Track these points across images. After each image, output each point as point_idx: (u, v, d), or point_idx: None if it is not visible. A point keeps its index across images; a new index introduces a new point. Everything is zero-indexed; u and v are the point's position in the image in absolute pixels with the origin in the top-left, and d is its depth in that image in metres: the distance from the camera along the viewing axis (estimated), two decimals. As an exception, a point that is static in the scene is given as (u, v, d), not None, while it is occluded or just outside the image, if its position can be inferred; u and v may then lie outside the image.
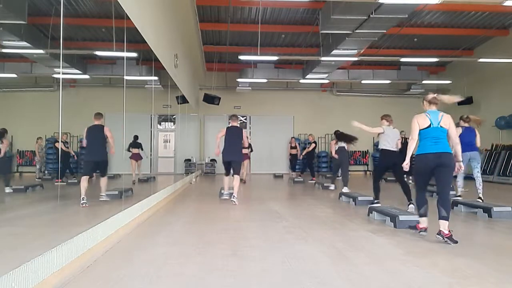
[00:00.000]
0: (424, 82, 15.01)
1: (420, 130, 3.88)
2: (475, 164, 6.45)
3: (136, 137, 10.79)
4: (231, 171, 6.80)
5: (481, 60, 12.05)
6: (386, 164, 5.95)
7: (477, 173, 6.41)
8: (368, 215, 4.93)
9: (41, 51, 10.51)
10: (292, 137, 13.95)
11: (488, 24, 11.64)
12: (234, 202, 6.18)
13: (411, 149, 3.99)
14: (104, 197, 6.51)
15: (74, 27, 10.91)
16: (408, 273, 2.61)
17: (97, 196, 6.46)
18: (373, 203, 5.84)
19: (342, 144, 8.87)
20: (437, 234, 3.54)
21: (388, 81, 15.14)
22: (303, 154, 12.13)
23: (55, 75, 13.57)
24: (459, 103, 14.55)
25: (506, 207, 5.00)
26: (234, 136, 6.72)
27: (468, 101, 14.31)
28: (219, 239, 3.64)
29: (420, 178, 3.98)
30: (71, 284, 2.39)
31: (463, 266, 2.76)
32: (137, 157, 10.57)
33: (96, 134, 6.39)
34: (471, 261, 2.90)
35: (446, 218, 3.52)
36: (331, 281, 2.44)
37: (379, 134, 5.95)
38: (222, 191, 7.10)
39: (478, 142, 6.51)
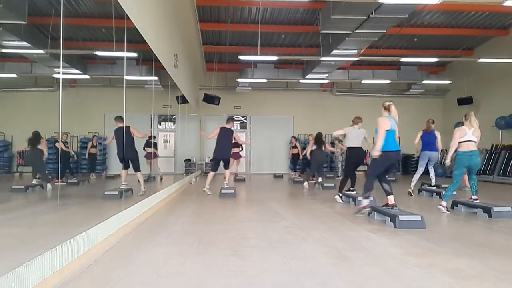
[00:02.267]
0: (424, 82, 15.01)
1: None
2: (431, 162, 7.70)
3: (149, 137, 11.04)
4: (218, 168, 7.84)
5: (481, 60, 12.05)
6: (353, 159, 6.91)
7: (431, 168, 7.81)
8: (368, 215, 4.93)
9: (41, 51, 10.51)
10: (292, 137, 13.95)
11: (488, 24, 11.63)
12: (226, 184, 7.65)
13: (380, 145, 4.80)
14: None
15: (74, 27, 10.91)
16: (408, 273, 2.61)
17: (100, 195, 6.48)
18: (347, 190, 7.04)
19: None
20: (385, 206, 4.89)
21: (388, 81, 15.14)
22: (303, 154, 12.14)
23: (55, 75, 13.57)
24: (459, 103, 14.63)
25: (506, 207, 5.00)
26: (225, 137, 7.58)
27: (468, 101, 14.32)
28: (219, 239, 3.64)
29: (381, 169, 4.92)
30: (71, 284, 2.39)
31: (463, 266, 2.76)
32: (150, 156, 10.71)
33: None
34: (471, 261, 2.90)
35: (390, 194, 4.94)
36: (331, 281, 2.43)
37: (345, 135, 6.95)
38: (206, 189, 7.71)
39: (439, 144, 7.60)
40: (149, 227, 4.32)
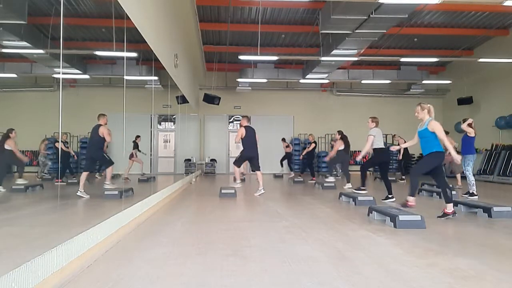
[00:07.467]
0: (424, 82, 15.03)
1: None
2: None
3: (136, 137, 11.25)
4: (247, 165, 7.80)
5: (481, 60, 12.05)
6: (381, 160, 6.87)
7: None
8: (368, 215, 4.92)
9: (41, 51, 10.51)
10: (282, 138, 14.25)
11: (488, 24, 11.64)
12: (262, 191, 7.44)
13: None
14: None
15: (74, 27, 10.92)
16: (408, 273, 2.61)
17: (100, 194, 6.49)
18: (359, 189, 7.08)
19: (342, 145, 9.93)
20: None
21: (388, 81, 15.15)
22: (303, 154, 12.16)
23: (55, 75, 13.58)
24: (459, 103, 14.63)
25: (506, 207, 5.00)
26: (253, 136, 7.57)
27: (468, 101, 14.33)
28: (219, 239, 3.64)
29: (429, 168, 4.76)
30: (71, 284, 2.39)
31: (463, 266, 2.76)
32: (132, 156, 11.06)
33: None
34: (471, 261, 2.90)
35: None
36: (331, 281, 2.43)
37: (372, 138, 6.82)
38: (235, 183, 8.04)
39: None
40: (149, 227, 4.32)
